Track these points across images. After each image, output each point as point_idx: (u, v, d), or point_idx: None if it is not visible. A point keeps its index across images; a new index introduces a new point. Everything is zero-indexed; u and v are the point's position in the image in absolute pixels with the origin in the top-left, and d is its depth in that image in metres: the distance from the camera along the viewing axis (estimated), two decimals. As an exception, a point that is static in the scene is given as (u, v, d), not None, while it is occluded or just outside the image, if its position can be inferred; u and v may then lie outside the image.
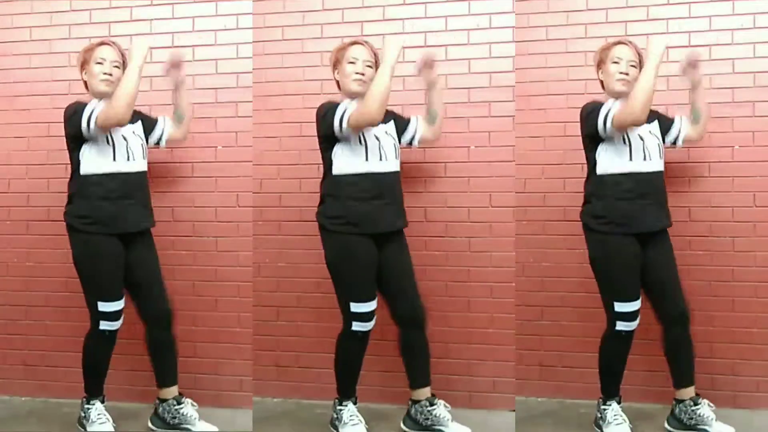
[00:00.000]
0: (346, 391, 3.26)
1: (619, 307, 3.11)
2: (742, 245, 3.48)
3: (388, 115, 3.25)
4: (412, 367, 3.26)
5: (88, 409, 3.25)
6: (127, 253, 3.19)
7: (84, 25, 3.72)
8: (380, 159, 3.12)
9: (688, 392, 3.19)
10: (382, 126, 3.17)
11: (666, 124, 3.25)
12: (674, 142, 3.28)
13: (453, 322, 3.54)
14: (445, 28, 3.60)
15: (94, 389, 3.26)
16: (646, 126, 3.13)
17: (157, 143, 3.37)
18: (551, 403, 3.64)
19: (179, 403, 3.25)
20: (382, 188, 3.13)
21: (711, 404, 3.18)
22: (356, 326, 3.14)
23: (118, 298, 3.16)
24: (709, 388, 3.38)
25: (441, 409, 3.22)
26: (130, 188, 3.16)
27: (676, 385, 3.21)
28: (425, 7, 3.62)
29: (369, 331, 3.17)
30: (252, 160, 3.62)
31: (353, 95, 3.15)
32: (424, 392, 3.25)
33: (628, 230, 3.08)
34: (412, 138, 3.32)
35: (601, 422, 3.24)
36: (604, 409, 3.23)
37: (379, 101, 2.97)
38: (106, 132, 3.07)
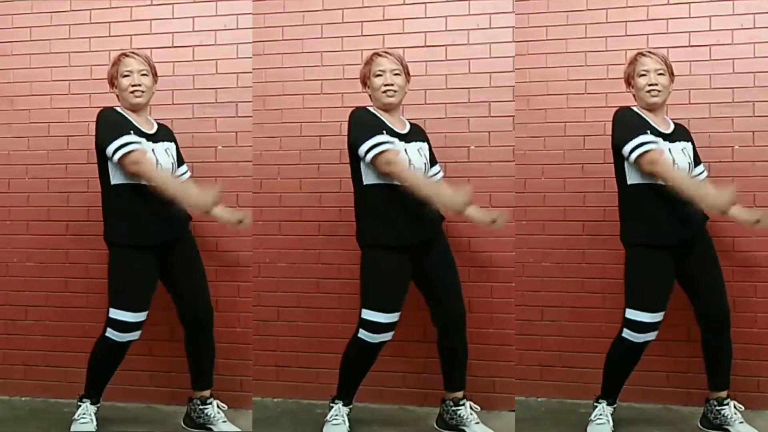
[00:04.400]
0: (340, 391, 3.22)
1: (630, 314, 3.05)
2: (742, 245, 3.47)
3: (424, 136, 3.24)
4: (446, 370, 3.27)
5: (78, 407, 3.25)
6: (165, 262, 3.17)
7: (84, 25, 3.72)
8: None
9: (720, 394, 3.20)
10: (416, 143, 3.14)
11: (695, 157, 3.19)
12: None
13: (453, 322, 3.53)
14: (445, 28, 3.60)
15: (89, 392, 3.24)
16: (680, 143, 3.10)
17: None
18: (551, 403, 3.63)
19: (203, 404, 3.27)
20: (412, 202, 3.06)
21: (739, 405, 3.18)
22: (362, 334, 3.08)
23: (132, 310, 3.07)
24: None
25: (466, 410, 3.22)
26: (157, 202, 3.08)
27: (710, 387, 3.22)
28: (425, 7, 3.61)
29: (376, 343, 3.06)
30: (252, 160, 3.62)
31: (387, 107, 3.12)
32: (455, 395, 3.25)
33: (662, 241, 3.01)
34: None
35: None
36: (594, 407, 3.22)
37: (407, 182, 2.98)
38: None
